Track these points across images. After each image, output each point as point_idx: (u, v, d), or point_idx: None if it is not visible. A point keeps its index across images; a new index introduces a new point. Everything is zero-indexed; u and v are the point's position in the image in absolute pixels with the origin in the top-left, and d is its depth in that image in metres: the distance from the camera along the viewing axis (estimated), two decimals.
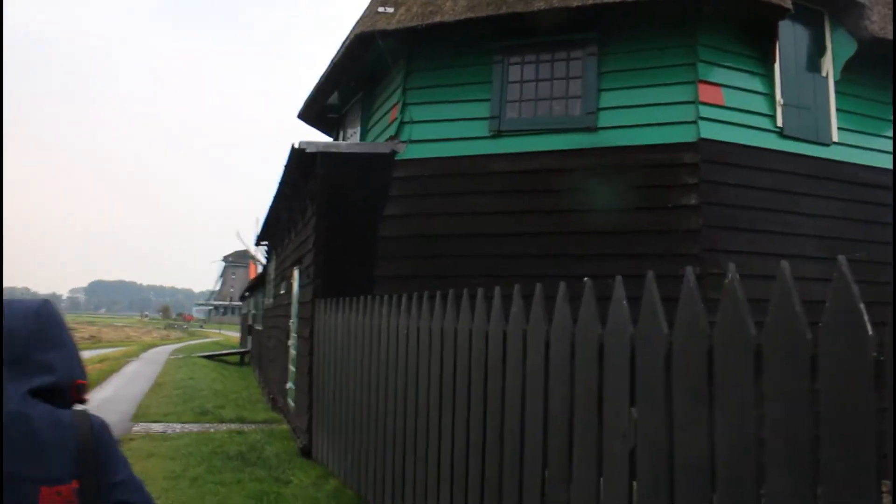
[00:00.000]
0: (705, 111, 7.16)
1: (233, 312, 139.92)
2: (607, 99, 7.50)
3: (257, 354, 21.37)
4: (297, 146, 7.81)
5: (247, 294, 29.51)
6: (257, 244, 18.60)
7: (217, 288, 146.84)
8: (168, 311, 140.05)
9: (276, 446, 7.83)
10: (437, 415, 4.28)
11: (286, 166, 8.59)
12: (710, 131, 7.11)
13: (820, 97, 7.84)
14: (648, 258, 6.78)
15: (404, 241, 8.12)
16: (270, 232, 15.42)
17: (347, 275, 8.14)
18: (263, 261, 20.94)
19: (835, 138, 7.82)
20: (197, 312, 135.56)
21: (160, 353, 30.86)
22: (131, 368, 20.87)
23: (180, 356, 27.43)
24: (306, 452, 7.53)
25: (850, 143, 7.94)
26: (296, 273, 9.88)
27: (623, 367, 2.66)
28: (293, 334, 9.87)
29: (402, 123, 8.37)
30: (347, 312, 6.41)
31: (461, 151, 8.02)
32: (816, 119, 7.75)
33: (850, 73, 7.95)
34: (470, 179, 7.93)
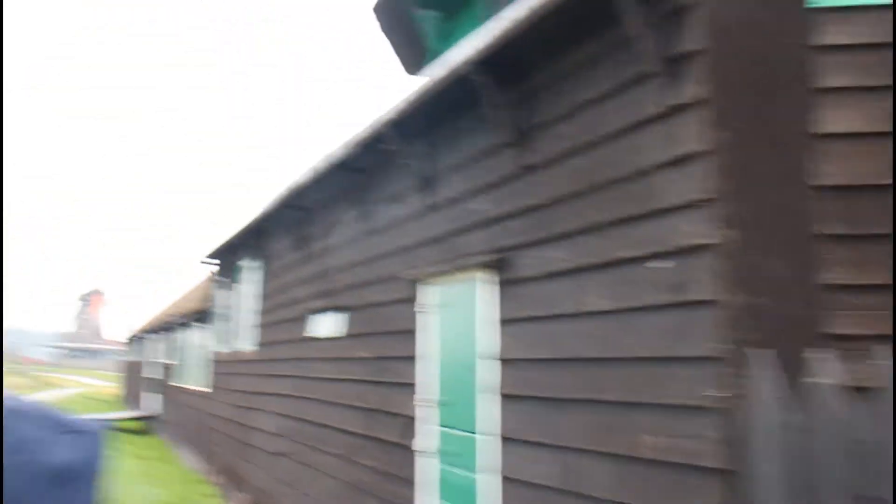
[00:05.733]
0: None
1: (91, 356, 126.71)
2: None
3: (183, 425, 15.22)
4: None
5: (152, 335, 22.17)
6: (210, 260, 12.58)
7: (75, 329, 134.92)
8: None
9: None
10: None
11: None
12: None
13: None
14: None
15: (872, 191, 3.18)
16: (273, 227, 9.73)
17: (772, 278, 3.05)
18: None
19: None
20: (43, 355, 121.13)
21: None
22: None
23: None
24: None
25: None
26: (477, 290, 4.53)
27: None
28: (444, 428, 4.50)
29: None
30: None
31: None
32: None
33: None
34: None
